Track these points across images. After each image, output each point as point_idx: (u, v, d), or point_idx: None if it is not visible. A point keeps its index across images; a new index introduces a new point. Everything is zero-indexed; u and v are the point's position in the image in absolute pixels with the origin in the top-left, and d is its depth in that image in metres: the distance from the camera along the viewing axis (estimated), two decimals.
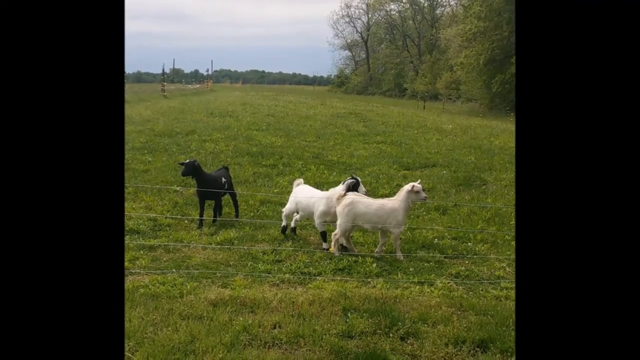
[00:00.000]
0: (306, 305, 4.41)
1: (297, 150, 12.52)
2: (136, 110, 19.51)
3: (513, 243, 6.41)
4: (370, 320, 4.19)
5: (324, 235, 6.27)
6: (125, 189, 8.11)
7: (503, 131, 18.60)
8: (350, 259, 5.85)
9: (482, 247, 6.40)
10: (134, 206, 7.57)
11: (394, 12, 68.85)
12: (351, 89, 67.38)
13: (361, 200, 5.98)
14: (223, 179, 7.16)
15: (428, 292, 4.94)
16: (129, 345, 3.64)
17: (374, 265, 5.65)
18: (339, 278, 5.24)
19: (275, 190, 8.77)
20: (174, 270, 5.29)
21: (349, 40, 74.68)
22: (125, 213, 6.83)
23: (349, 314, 4.28)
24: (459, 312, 4.47)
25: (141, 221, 6.84)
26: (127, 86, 27.19)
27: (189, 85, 47.43)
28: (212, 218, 7.09)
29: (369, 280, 5.22)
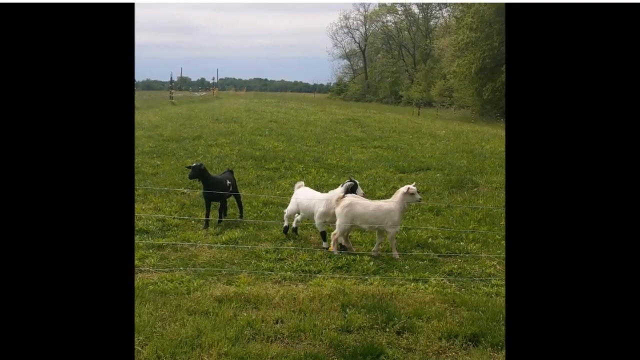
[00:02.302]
0: (307, 302, 4.41)
1: (298, 154, 12.50)
2: (145, 117, 19.51)
3: (503, 242, 6.41)
4: (367, 315, 4.18)
5: (324, 235, 6.26)
6: (135, 191, 8.11)
7: (493, 136, 18.60)
8: (348, 257, 5.85)
9: (474, 246, 6.39)
10: (143, 207, 7.57)
11: (390, 24, 69.13)
12: (349, 96, 67.51)
13: (359, 202, 5.98)
14: (228, 182, 7.17)
15: (422, 289, 4.93)
16: (138, 339, 3.64)
17: (371, 263, 5.64)
18: (338, 275, 5.23)
19: (277, 192, 8.76)
20: (181, 268, 5.28)
21: (347, 50, 74.91)
22: (135, 214, 6.82)
23: (348, 310, 4.28)
24: (451, 308, 4.46)
25: (150, 221, 6.83)
26: (136, 94, 27.22)
27: (196, 93, 47.45)
28: (218, 219, 7.09)
29: (366, 277, 5.22)
